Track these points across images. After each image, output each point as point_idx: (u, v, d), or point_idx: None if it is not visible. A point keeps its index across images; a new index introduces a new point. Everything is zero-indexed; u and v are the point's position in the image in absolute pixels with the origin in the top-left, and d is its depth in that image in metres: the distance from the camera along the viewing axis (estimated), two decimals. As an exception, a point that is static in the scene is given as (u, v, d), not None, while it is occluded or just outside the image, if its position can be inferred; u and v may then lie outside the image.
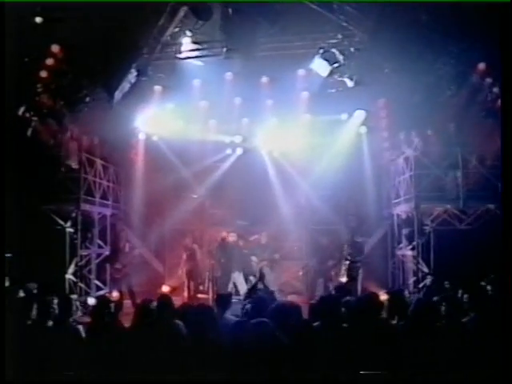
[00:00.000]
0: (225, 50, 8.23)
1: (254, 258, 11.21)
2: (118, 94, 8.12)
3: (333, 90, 9.82)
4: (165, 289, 11.77)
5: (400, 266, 11.84)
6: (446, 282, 9.29)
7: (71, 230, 10.64)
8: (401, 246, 11.56)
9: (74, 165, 10.79)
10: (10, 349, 4.02)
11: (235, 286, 9.81)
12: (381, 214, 12.50)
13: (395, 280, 11.93)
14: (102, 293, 11.13)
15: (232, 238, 10.05)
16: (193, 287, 11.70)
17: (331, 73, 8.78)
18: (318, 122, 11.58)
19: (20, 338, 4.33)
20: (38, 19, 8.35)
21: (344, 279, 10.39)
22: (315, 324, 4.41)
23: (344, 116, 11.76)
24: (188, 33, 9.04)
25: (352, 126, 11.86)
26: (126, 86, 8.10)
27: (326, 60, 8.41)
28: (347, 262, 10.48)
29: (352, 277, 10.35)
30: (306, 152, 12.27)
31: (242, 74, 10.44)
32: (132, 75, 7.93)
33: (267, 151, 12.93)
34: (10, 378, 3.67)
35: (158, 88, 11.33)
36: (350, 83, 9.31)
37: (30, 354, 4.30)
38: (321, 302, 4.90)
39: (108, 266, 11.52)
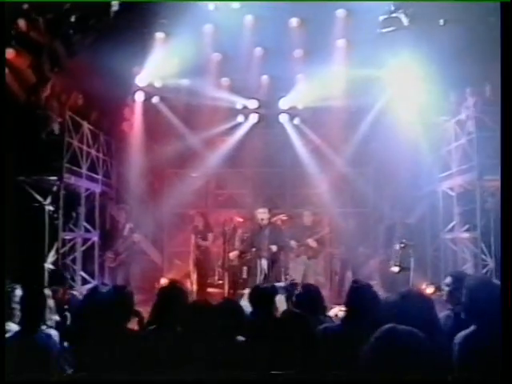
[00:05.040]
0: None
1: (293, 243, 9.25)
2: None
3: (384, 30, 7.91)
4: (163, 282, 9.81)
5: (444, 251, 10.05)
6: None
7: (51, 207, 8.54)
8: (449, 227, 9.72)
9: (56, 128, 8.80)
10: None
11: (266, 276, 7.78)
12: (420, 191, 10.66)
13: (437, 268, 10.11)
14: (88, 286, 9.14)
15: (263, 216, 7.98)
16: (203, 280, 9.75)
17: None
18: (355, 77, 9.58)
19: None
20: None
21: (396, 269, 8.54)
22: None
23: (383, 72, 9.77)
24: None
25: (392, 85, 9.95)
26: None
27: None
28: (399, 248, 8.60)
29: (404, 266, 8.51)
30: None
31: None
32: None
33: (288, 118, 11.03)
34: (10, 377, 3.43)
35: (159, 35, 9.36)
36: (404, 20, 7.47)
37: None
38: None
39: (97, 253, 9.54)
